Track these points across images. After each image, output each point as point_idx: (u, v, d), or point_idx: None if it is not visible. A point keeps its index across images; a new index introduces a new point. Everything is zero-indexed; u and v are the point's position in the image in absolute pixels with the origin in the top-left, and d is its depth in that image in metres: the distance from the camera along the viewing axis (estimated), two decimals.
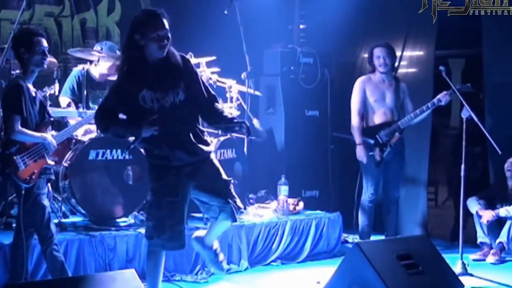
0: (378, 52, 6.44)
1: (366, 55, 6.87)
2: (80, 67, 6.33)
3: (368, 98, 6.44)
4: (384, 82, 6.48)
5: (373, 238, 6.51)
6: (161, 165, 4.26)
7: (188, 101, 4.26)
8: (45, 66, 4.58)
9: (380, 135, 6.37)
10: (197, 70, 4.60)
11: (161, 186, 4.26)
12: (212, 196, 4.38)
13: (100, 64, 6.16)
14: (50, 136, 4.57)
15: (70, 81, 6.33)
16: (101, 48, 6.09)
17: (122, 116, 4.29)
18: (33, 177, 4.43)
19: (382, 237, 6.58)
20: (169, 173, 4.25)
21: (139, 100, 4.17)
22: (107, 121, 4.24)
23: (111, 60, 6.41)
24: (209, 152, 4.39)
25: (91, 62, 6.27)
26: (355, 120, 6.45)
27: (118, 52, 5.96)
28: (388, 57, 6.43)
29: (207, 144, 4.39)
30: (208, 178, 4.37)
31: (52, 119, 4.74)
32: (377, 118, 6.44)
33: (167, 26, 4.20)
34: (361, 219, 6.52)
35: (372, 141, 6.39)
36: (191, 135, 4.28)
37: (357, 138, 6.41)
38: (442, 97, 6.26)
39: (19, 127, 4.37)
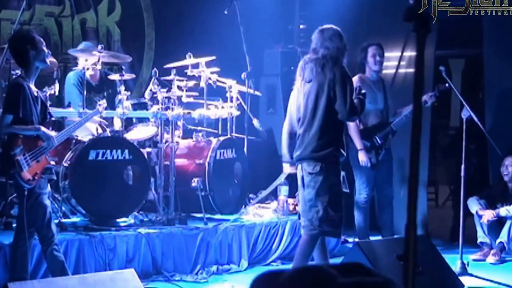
0: (373, 50, 6.44)
1: None
2: (73, 72, 6.35)
3: None
4: (375, 83, 6.49)
5: (371, 238, 6.51)
6: (337, 161, 4.85)
7: None
8: (49, 63, 4.64)
9: (376, 138, 6.37)
10: None
11: (339, 180, 4.86)
12: None
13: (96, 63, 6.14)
14: (45, 128, 4.55)
15: (75, 90, 6.30)
16: (102, 47, 6.07)
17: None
18: (36, 177, 4.44)
19: (380, 237, 6.58)
20: (340, 168, 4.91)
21: None
22: None
23: (110, 60, 6.42)
24: None
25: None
26: (352, 124, 6.29)
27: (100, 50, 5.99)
28: (382, 57, 6.47)
29: None
30: None
31: (53, 118, 4.76)
32: (371, 120, 6.43)
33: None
34: (358, 219, 6.52)
35: (368, 144, 6.38)
36: None
37: (358, 143, 6.29)
38: (428, 99, 6.35)
39: (8, 123, 4.40)
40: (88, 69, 6.12)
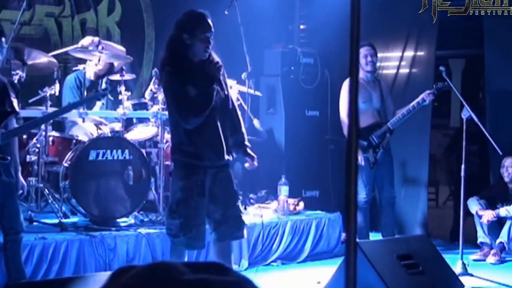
0: (364, 51, 6.45)
1: None
2: (71, 75, 6.35)
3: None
4: (369, 83, 6.51)
5: (372, 237, 6.52)
6: (190, 163, 4.36)
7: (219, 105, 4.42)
8: None
9: (373, 137, 6.39)
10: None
11: (190, 185, 4.34)
12: (217, 206, 4.46)
13: (96, 64, 6.15)
14: None
15: (71, 94, 6.31)
16: (102, 47, 6.08)
17: None
18: None
19: (380, 237, 6.58)
20: (197, 172, 4.36)
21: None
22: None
23: (111, 60, 6.43)
24: (229, 160, 4.51)
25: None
26: (347, 123, 6.38)
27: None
28: (374, 56, 6.47)
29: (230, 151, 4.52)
30: (221, 186, 4.47)
31: (9, 110, 4.35)
32: (366, 120, 6.44)
33: (212, 28, 4.45)
34: (358, 219, 6.52)
35: (365, 143, 6.39)
36: (222, 137, 4.42)
37: None
38: (426, 97, 6.35)
39: None
40: (96, 64, 6.15)
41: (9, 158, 4.33)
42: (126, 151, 5.64)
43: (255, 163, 4.67)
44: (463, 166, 5.89)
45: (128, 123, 6.21)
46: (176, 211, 4.37)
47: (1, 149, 4.31)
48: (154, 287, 1.13)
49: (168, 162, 6.01)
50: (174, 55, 4.40)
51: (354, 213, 1.42)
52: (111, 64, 6.59)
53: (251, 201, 6.71)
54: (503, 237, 6.43)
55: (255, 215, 6.34)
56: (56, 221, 5.48)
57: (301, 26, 8.52)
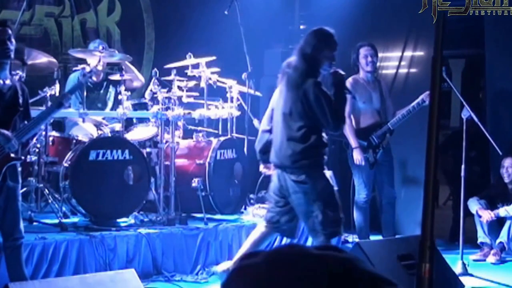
0: (364, 51, 6.45)
1: None
2: (74, 73, 6.34)
3: (357, 100, 6.43)
4: (370, 83, 6.50)
5: (372, 238, 6.52)
6: (321, 164, 4.75)
7: None
8: (9, 55, 4.36)
9: (373, 137, 6.39)
10: None
11: (327, 181, 4.77)
12: None
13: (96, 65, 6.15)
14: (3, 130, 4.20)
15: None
16: (103, 48, 6.08)
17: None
18: None
19: (381, 237, 6.58)
20: (323, 170, 4.79)
21: None
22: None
23: (111, 60, 6.43)
24: None
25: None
26: (347, 123, 6.38)
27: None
28: (375, 57, 6.47)
29: None
30: None
31: (21, 109, 4.38)
32: (367, 120, 6.44)
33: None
34: (358, 219, 6.53)
35: (365, 143, 6.39)
36: None
37: (353, 142, 6.33)
38: (426, 97, 6.31)
39: None
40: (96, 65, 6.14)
41: (23, 158, 4.42)
42: (126, 151, 5.64)
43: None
44: (463, 166, 5.89)
45: (128, 123, 6.22)
46: (336, 202, 4.78)
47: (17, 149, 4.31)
48: (291, 259, 1.21)
49: (167, 162, 6.00)
50: (312, 67, 4.67)
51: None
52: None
53: (251, 201, 6.70)
54: (503, 237, 6.43)
55: (255, 215, 6.34)
56: (56, 221, 5.48)
57: (301, 26, 8.52)
